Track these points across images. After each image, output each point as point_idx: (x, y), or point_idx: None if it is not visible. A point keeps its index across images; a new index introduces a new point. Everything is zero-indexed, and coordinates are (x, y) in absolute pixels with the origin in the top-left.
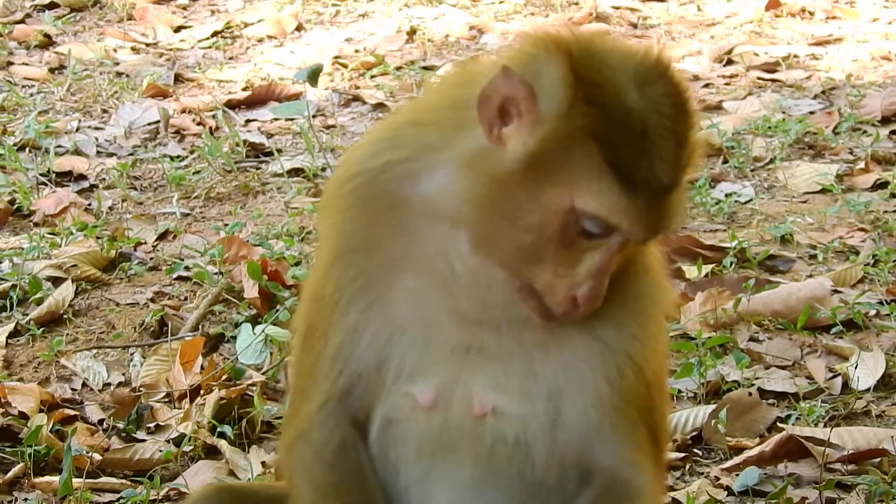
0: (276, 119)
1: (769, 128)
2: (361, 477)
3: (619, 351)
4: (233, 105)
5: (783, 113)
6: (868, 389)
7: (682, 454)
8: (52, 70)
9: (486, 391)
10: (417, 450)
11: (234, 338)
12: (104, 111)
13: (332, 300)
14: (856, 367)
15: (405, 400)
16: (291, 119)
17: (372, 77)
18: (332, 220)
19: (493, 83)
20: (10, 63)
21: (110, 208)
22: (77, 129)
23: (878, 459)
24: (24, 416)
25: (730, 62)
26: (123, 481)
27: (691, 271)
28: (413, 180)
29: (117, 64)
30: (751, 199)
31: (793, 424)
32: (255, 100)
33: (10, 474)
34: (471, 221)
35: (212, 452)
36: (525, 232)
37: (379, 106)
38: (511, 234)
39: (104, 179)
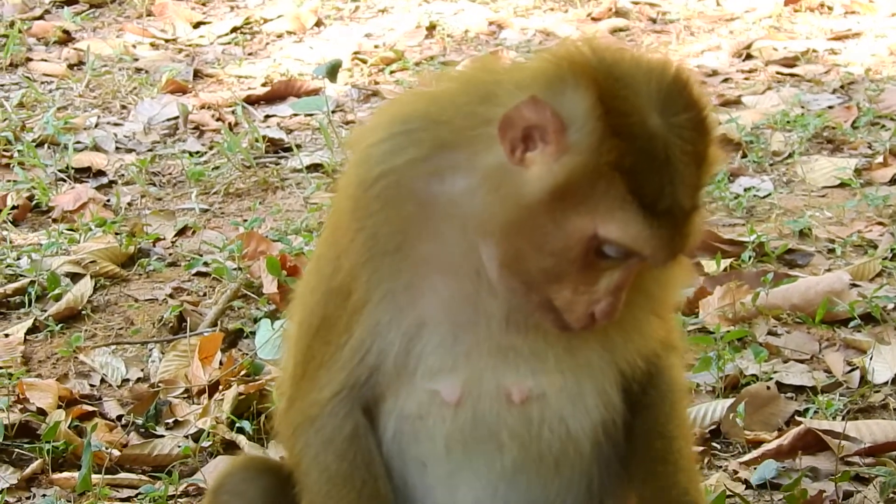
0: (295, 115)
1: (788, 122)
2: (373, 467)
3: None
4: (252, 101)
5: (802, 107)
6: (886, 383)
7: (701, 448)
8: (70, 66)
9: (522, 379)
10: (446, 446)
11: (253, 333)
12: (123, 107)
13: (361, 299)
14: (873, 361)
15: (429, 397)
16: (311, 115)
17: (391, 73)
18: (359, 224)
19: (520, 110)
20: (29, 59)
21: (129, 204)
22: (96, 125)
23: None
24: (42, 413)
25: (749, 57)
26: (142, 477)
27: (710, 265)
28: (438, 178)
29: (136, 60)
30: (769, 194)
31: (811, 418)
32: (275, 95)
33: (28, 470)
34: (494, 240)
35: (230, 448)
36: (547, 255)
37: None
38: (533, 256)
39: (123, 175)
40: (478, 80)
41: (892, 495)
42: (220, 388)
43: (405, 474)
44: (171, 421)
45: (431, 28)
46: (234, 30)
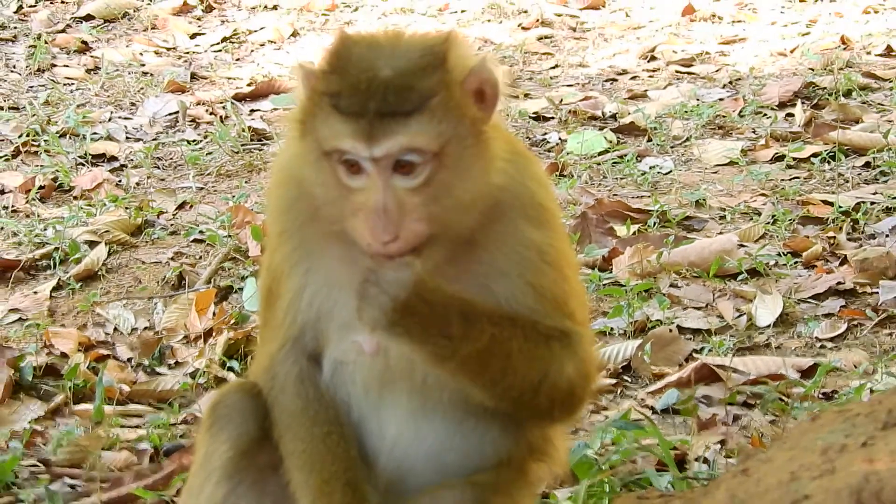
0: (275, 108)
1: (686, 112)
2: (323, 399)
3: (524, 263)
4: (239, 98)
5: (697, 100)
6: (768, 326)
7: (614, 381)
8: (88, 71)
9: None
10: (364, 388)
11: (241, 289)
12: (132, 104)
13: (281, 269)
14: (757, 308)
15: (352, 347)
16: (288, 108)
17: None
18: (271, 212)
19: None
20: (54, 65)
21: (137, 184)
22: (109, 119)
23: (777, 383)
24: (64, 356)
25: (653, 58)
26: (148, 408)
27: (621, 230)
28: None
29: (143, 65)
30: (671, 171)
31: (706, 355)
32: (258, 93)
33: (53, 404)
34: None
35: (222, 383)
36: (319, 186)
37: None
38: (319, 194)
39: (132, 160)
40: None
41: (773, 416)
42: (214, 334)
43: (339, 412)
44: (172, 362)
45: None
46: (224, 39)
